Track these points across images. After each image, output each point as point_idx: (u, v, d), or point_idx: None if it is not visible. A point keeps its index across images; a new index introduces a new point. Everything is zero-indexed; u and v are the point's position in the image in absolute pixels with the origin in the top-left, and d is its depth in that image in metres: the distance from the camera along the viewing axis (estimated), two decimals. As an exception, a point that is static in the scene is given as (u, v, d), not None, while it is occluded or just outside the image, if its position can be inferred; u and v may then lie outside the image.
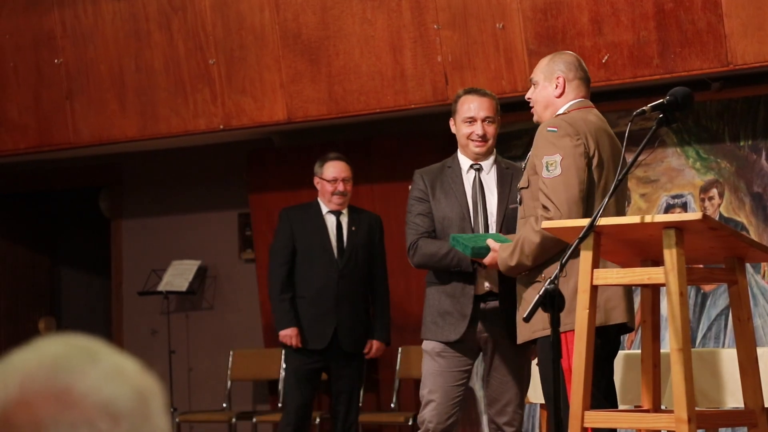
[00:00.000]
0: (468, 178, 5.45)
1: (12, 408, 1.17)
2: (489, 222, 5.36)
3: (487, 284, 5.32)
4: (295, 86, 7.98)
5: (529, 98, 5.00)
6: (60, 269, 11.28)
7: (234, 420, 8.87)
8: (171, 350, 9.38)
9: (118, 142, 8.78)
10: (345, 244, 7.10)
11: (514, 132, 7.92)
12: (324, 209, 7.13)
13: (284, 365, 7.32)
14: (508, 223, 5.34)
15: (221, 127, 8.29)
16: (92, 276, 11.38)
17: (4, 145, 9.08)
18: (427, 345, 5.43)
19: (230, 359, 9.16)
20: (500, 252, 4.91)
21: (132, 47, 8.50)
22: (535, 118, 4.99)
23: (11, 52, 8.91)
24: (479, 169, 5.46)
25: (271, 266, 7.18)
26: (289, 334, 6.98)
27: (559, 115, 4.82)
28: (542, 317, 4.49)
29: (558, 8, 7.13)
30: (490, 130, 5.43)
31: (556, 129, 4.71)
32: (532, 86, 4.99)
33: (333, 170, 7.06)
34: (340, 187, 7.05)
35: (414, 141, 8.52)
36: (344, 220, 7.15)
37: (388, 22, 7.64)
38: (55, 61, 8.76)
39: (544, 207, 4.68)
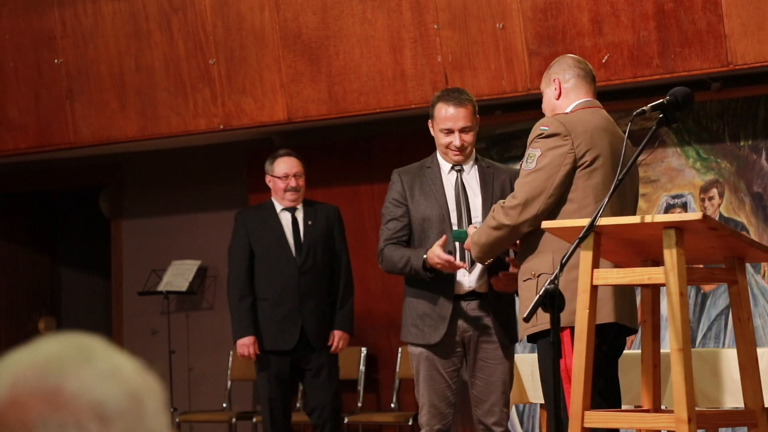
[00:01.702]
0: (449, 179, 5.44)
1: (3, 408, 1.17)
2: (474, 222, 5.36)
3: (468, 284, 5.32)
4: (295, 86, 7.98)
5: (543, 110, 5.03)
6: (60, 269, 11.27)
7: (234, 420, 8.87)
8: (171, 350, 9.38)
9: (118, 142, 8.78)
10: (302, 239, 6.94)
11: (514, 132, 7.93)
12: (278, 207, 6.99)
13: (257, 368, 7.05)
14: None
15: (221, 127, 8.29)
16: (92, 276, 11.37)
17: (4, 145, 9.08)
18: (413, 349, 5.43)
19: (230, 359, 9.16)
20: (472, 236, 4.99)
21: (132, 47, 8.51)
22: None
23: (11, 52, 8.91)
24: (460, 170, 5.45)
25: (229, 271, 7.02)
26: (245, 344, 6.81)
27: (557, 114, 4.84)
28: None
29: (558, 8, 7.13)
30: (468, 138, 5.42)
31: (547, 127, 4.75)
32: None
33: (283, 166, 6.93)
34: (292, 182, 6.90)
35: (414, 141, 8.51)
36: (299, 215, 6.99)
37: (388, 22, 7.64)
38: (55, 61, 8.76)
39: (510, 197, 4.80)
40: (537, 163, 4.72)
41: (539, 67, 7.20)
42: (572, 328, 4.57)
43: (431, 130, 5.49)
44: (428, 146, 8.28)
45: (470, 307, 5.33)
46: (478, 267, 5.31)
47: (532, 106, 7.80)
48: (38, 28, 8.81)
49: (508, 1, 7.25)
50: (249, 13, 8.09)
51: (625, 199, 4.85)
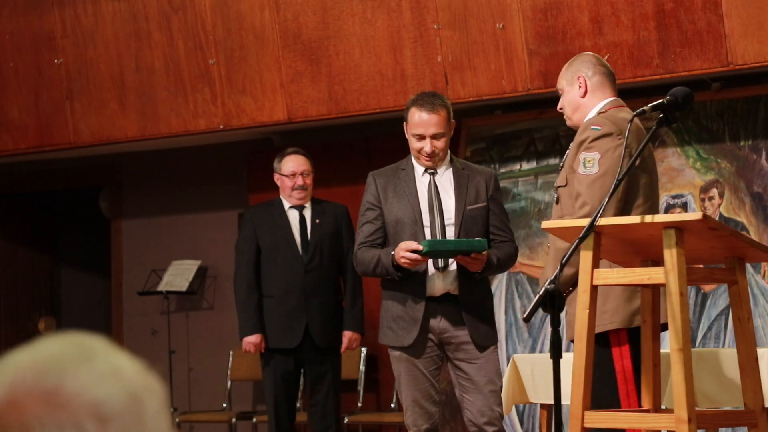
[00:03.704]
0: (423, 181, 5.42)
1: (1, 408, 1.17)
2: (446, 224, 5.34)
3: (443, 286, 5.31)
4: (295, 86, 7.98)
5: (560, 108, 4.98)
6: (60, 269, 11.27)
7: (234, 420, 8.87)
8: (171, 350, 9.38)
9: (118, 142, 8.78)
10: (309, 237, 6.93)
11: (514, 132, 7.92)
12: (286, 205, 6.98)
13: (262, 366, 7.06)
14: (466, 225, 5.34)
15: (221, 127, 8.29)
16: (92, 276, 11.37)
17: (4, 145, 9.08)
18: (393, 352, 5.43)
19: (230, 359, 9.16)
20: (545, 272, 4.82)
21: (132, 47, 8.51)
22: (568, 123, 4.97)
23: (11, 52, 8.91)
24: (434, 173, 5.43)
25: (236, 267, 7.02)
26: (252, 342, 6.82)
27: (602, 113, 4.78)
28: (600, 312, 4.52)
29: (558, 8, 7.13)
30: (440, 144, 5.38)
31: (599, 127, 4.65)
32: (561, 96, 4.97)
33: (291, 165, 6.93)
34: (299, 181, 6.90)
35: (414, 141, 8.51)
36: (307, 213, 6.98)
37: (388, 22, 7.64)
38: (55, 61, 8.76)
39: (581, 205, 4.66)
40: (599, 167, 4.62)
41: (539, 67, 7.19)
42: (629, 330, 4.58)
43: (406, 132, 5.48)
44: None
45: (445, 308, 5.32)
46: (451, 269, 5.30)
47: (532, 106, 7.81)
48: (38, 28, 8.80)
49: (508, 1, 7.25)
50: (249, 13, 8.09)
51: (657, 188, 4.84)
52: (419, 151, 5.39)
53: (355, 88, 7.79)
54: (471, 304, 5.30)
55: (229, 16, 8.16)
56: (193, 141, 9.05)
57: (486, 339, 5.36)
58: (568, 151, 4.85)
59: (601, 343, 4.63)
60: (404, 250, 5.19)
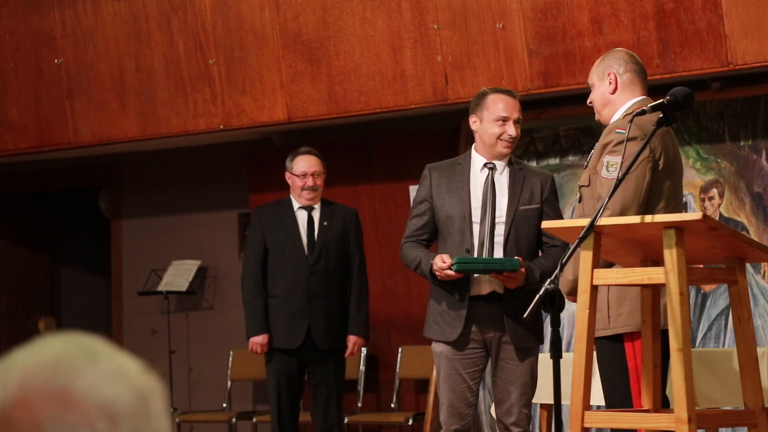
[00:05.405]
0: (480, 177, 5.40)
1: (11, 408, 1.17)
2: (497, 222, 5.34)
3: (490, 285, 5.31)
4: (295, 86, 7.98)
5: (589, 102, 4.97)
6: (60, 269, 11.28)
7: (234, 420, 8.88)
8: (171, 350, 9.38)
9: (118, 142, 8.78)
10: (316, 239, 6.91)
11: (514, 132, 7.92)
12: (296, 205, 6.96)
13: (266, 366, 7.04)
14: (517, 224, 5.33)
15: (221, 127, 8.29)
16: (92, 276, 11.38)
17: (4, 145, 9.08)
18: (436, 347, 5.43)
19: (230, 359, 9.16)
20: (565, 275, 4.73)
21: (132, 47, 8.51)
22: (596, 118, 4.97)
23: (11, 52, 8.91)
24: (493, 168, 5.43)
25: (244, 268, 7.01)
26: (258, 342, 6.81)
27: (628, 113, 4.76)
28: (600, 317, 4.52)
29: (558, 8, 7.13)
30: (518, 131, 5.42)
31: (624, 131, 4.60)
32: (591, 90, 4.97)
33: (303, 165, 6.90)
34: (310, 181, 6.88)
35: (414, 141, 8.52)
36: (316, 215, 6.96)
37: (388, 22, 7.64)
38: (55, 61, 8.76)
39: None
40: (621, 171, 4.62)
41: (539, 67, 7.20)
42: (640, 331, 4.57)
43: (475, 124, 5.42)
44: (427, 146, 8.29)
45: (490, 308, 5.33)
46: None
47: (532, 106, 7.80)
48: (38, 28, 8.81)
49: (508, 1, 7.25)
50: (249, 13, 8.09)
51: (681, 192, 4.83)
52: (499, 136, 5.36)
53: (355, 88, 7.79)
54: (514, 304, 5.28)
55: (229, 16, 8.16)
56: (193, 141, 9.05)
57: (526, 340, 5.35)
58: (592, 151, 4.83)
59: (613, 339, 4.65)
60: (437, 264, 5.23)
